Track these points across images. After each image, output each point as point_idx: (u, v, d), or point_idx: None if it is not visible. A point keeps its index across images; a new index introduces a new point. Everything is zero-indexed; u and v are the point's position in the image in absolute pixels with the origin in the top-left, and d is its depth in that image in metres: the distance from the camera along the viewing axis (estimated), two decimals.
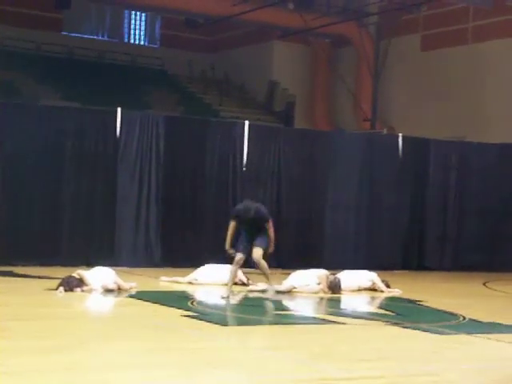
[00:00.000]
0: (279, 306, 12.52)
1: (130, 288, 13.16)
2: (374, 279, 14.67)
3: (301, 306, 12.99)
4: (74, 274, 12.76)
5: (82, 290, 12.51)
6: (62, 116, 17.41)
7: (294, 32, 29.60)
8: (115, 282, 12.97)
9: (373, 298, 14.01)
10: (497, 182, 21.12)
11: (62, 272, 13.49)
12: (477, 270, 19.75)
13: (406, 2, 27.19)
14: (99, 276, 12.91)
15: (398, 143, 20.48)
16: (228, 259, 13.55)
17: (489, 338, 9.80)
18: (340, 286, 13.91)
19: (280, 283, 13.83)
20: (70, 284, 12.49)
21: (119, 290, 12.97)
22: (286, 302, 13.00)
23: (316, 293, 13.69)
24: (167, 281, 14.77)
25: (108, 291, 12.75)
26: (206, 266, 14.98)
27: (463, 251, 20.82)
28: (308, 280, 13.89)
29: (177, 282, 14.65)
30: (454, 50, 27.61)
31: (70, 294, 12.25)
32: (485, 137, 23.13)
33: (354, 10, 29.86)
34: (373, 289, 14.62)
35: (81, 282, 12.61)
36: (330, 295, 13.62)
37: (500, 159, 21.39)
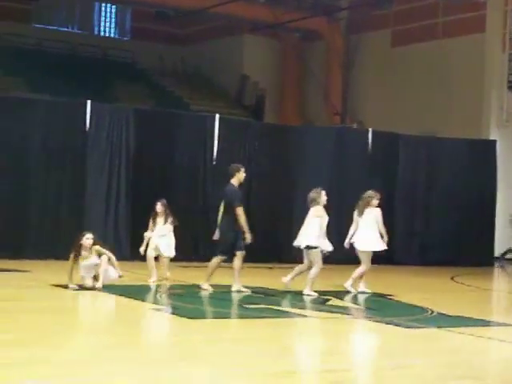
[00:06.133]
0: (246, 299, 12.48)
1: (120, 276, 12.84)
2: None
3: (270, 301, 12.96)
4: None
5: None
6: (30, 108, 17.27)
7: (265, 26, 29.57)
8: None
9: (343, 293, 13.99)
10: (465, 178, 21.24)
11: (29, 265, 13.37)
12: (444, 265, 19.86)
13: None
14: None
15: (367, 138, 20.55)
16: None
17: (457, 332, 9.85)
18: None
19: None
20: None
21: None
22: (254, 296, 12.96)
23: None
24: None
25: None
26: None
27: (431, 246, 20.92)
28: None
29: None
30: (424, 45, 27.71)
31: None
32: (455, 133, 23.22)
33: (324, 4, 29.88)
34: None
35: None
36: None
37: (469, 155, 21.51)
